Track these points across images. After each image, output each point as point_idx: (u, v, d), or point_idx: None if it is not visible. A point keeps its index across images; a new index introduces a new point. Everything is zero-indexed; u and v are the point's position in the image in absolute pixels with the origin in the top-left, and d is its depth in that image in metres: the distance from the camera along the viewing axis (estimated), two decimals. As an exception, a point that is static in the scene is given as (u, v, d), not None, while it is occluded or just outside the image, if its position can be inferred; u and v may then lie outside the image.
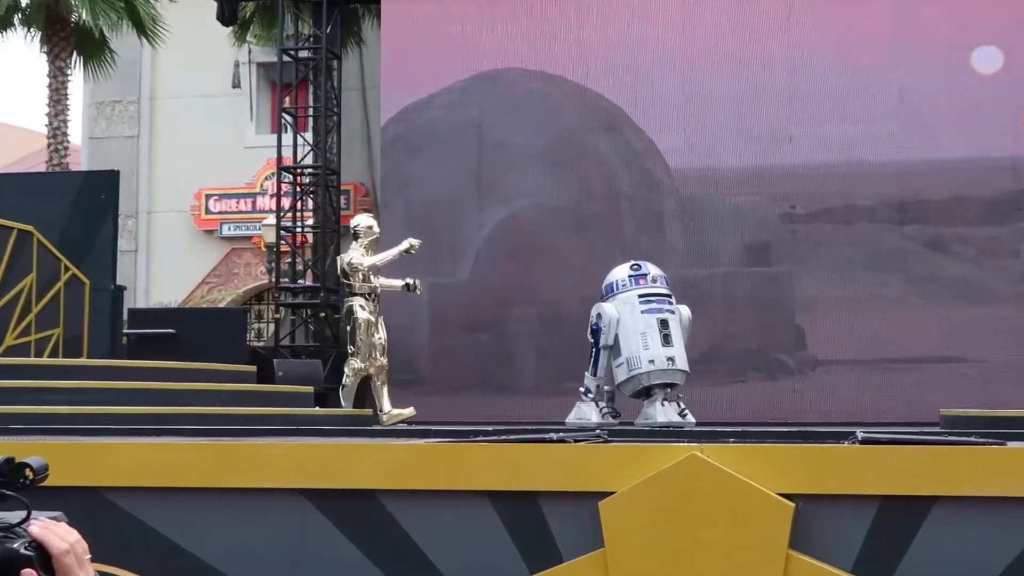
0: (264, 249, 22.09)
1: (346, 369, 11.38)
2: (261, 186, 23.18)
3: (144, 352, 13.98)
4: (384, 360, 11.33)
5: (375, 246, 11.85)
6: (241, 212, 23.31)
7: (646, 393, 10.16)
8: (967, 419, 10.39)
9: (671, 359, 9.97)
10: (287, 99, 20.99)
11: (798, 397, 16.05)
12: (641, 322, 10.08)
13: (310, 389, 12.72)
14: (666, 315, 10.06)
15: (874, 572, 5.30)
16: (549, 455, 5.73)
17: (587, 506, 5.49)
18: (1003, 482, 5.19)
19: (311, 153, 20.53)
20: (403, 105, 18.50)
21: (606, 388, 10.61)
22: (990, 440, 5.81)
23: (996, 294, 16.65)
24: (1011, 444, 5.67)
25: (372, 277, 11.80)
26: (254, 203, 23.23)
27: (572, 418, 10.31)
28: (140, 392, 10.04)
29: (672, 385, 10.05)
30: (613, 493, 5.48)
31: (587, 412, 10.30)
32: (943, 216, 16.82)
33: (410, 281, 12.31)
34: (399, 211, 18.45)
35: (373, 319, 11.38)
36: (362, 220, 12.57)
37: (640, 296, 10.20)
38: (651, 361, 10.05)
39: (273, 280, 21.18)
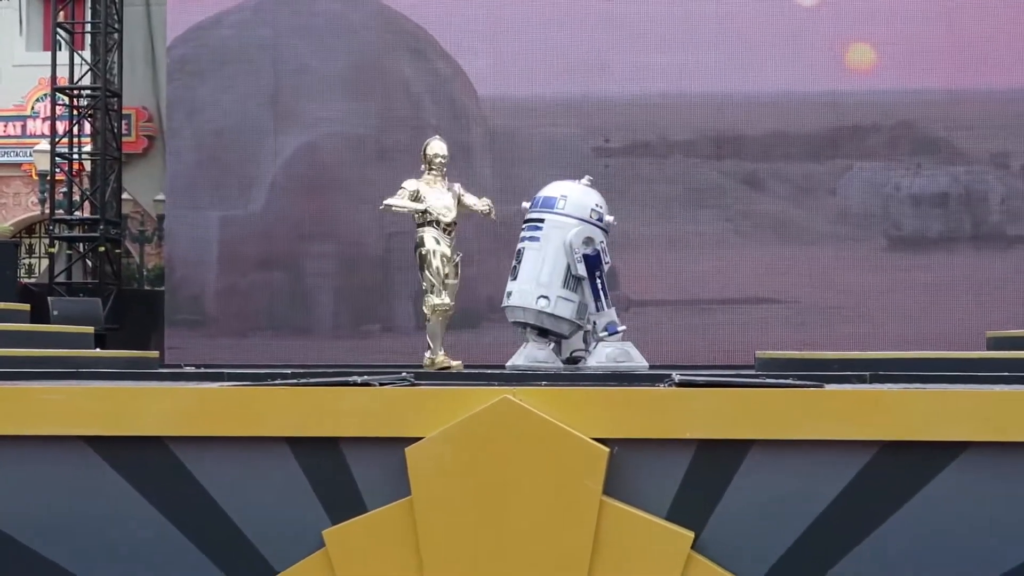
0: (36, 177, 21.46)
1: (424, 309, 10.79)
2: (32, 108, 22.48)
3: (-99, 289, 13.52)
4: (450, 302, 10.57)
5: (441, 176, 10.86)
6: (9, 136, 22.58)
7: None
8: (783, 361, 10.71)
9: (509, 294, 9.86)
10: (62, 13, 20.36)
11: (610, 339, 16.31)
12: None
13: (90, 329, 12.47)
14: (523, 244, 9.87)
15: (689, 518, 5.46)
16: (352, 399, 5.72)
17: (393, 453, 5.52)
18: (821, 425, 5.38)
19: (89, 73, 19.99)
20: (191, 23, 18.15)
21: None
22: (807, 383, 6.02)
23: (812, 233, 17.16)
24: (829, 387, 5.88)
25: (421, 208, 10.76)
26: (24, 127, 22.53)
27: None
28: None
29: (526, 324, 9.83)
30: (421, 439, 5.51)
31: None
32: (761, 152, 17.23)
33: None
34: (187, 138, 18.14)
35: (447, 253, 10.64)
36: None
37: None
38: (507, 295, 9.95)
39: (47, 211, 20.62)
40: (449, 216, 10.67)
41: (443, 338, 10.68)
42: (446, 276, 10.65)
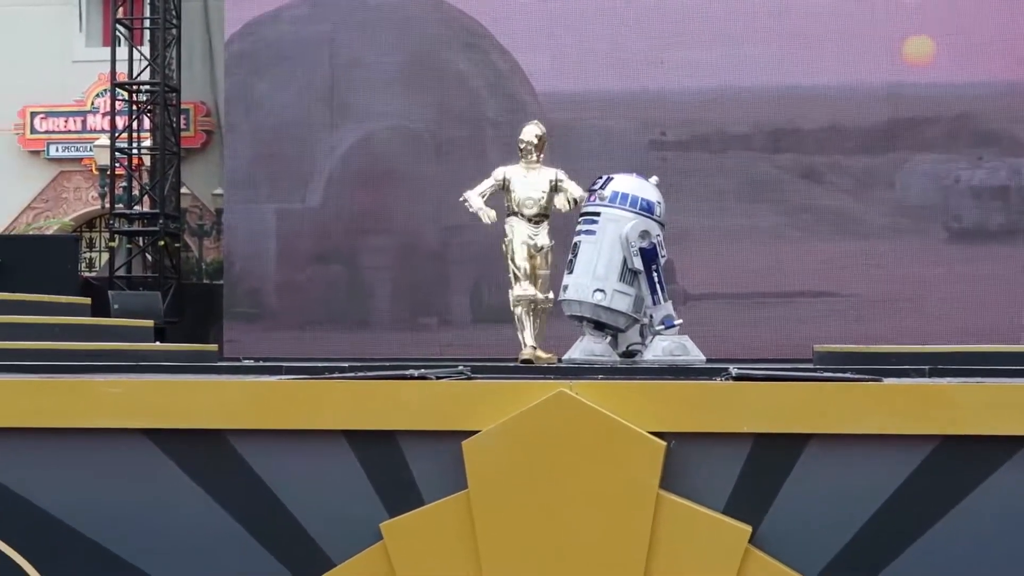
0: (96, 172, 21.66)
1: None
2: (92, 104, 22.70)
3: (-35, 283, 13.66)
4: (532, 292, 10.22)
5: (535, 161, 10.52)
6: (70, 132, 22.81)
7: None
8: (841, 355, 10.66)
9: (565, 287, 9.82)
10: (121, 9, 20.53)
11: (667, 333, 16.28)
12: None
13: (149, 323, 12.58)
14: (579, 237, 9.83)
15: (747, 512, 5.44)
16: (409, 393, 5.73)
17: (450, 446, 5.53)
18: (879, 419, 5.35)
19: (148, 69, 20.14)
20: (249, 18, 18.26)
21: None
22: (866, 376, 5.98)
23: (870, 226, 17.06)
24: (887, 380, 5.84)
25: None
26: (84, 122, 22.75)
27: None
28: (-37, 326, 9.84)
29: (582, 318, 9.80)
30: (477, 432, 5.52)
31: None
32: (818, 145, 17.14)
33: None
34: (245, 133, 18.25)
35: (530, 241, 10.41)
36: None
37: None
38: (563, 288, 9.91)
39: (107, 206, 20.81)
40: (532, 208, 10.40)
41: (533, 329, 10.36)
42: (535, 267, 10.37)
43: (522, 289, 10.32)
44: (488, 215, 10.41)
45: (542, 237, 10.40)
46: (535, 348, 10.36)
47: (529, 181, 10.48)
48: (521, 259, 10.38)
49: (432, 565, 5.56)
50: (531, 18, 17.41)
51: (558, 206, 10.44)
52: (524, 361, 10.14)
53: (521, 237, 10.37)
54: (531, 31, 17.42)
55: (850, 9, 16.90)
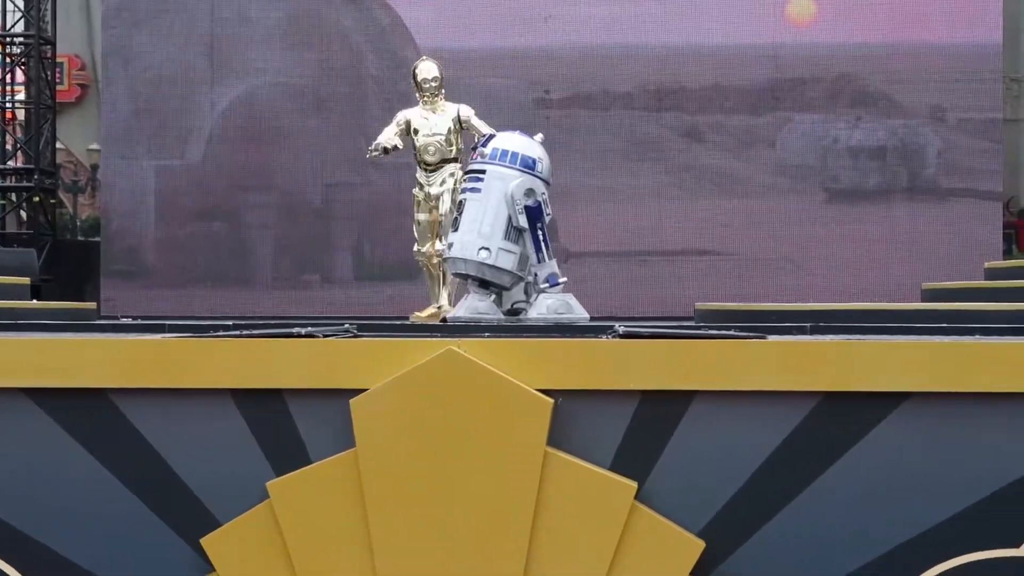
0: (-33, 126, 21.18)
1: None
2: (-37, 56, 22.15)
3: None
4: (427, 248, 9.91)
5: (438, 101, 9.92)
6: (-61, 84, 22.24)
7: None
8: (722, 313, 10.79)
9: (450, 245, 9.76)
10: (-7, -42, 20.06)
11: (549, 291, 16.36)
12: None
13: (25, 280, 12.35)
14: (464, 195, 9.74)
15: (633, 468, 5.50)
16: (296, 351, 5.71)
17: (337, 404, 5.52)
18: (762, 376, 5.44)
19: (22, 20, 19.71)
20: (128, -31, 17.93)
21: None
22: (749, 334, 6.07)
23: (751, 185, 17.27)
24: (770, 338, 5.93)
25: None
26: (-46, 75, 22.20)
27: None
28: None
29: (467, 275, 9.75)
30: (365, 391, 5.52)
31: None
32: (701, 104, 17.29)
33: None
34: (122, 87, 17.95)
35: (433, 193, 9.88)
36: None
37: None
38: (448, 246, 9.82)
39: (-22, 161, 20.38)
40: (434, 155, 10.00)
41: (439, 288, 10.15)
42: (438, 221, 10.02)
43: (417, 247, 10.17)
44: (373, 150, 9.98)
45: (436, 186, 10.04)
46: (439, 308, 10.19)
47: (432, 124, 10.06)
48: (421, 214, 10.11)
49: (319, 524, 5.56)
50: (415, -27, 17.33)
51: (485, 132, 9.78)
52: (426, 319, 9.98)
53: (417, 191, 10.13)
54: (415, -14, 17.35)
55: (733, -31, 17.05)
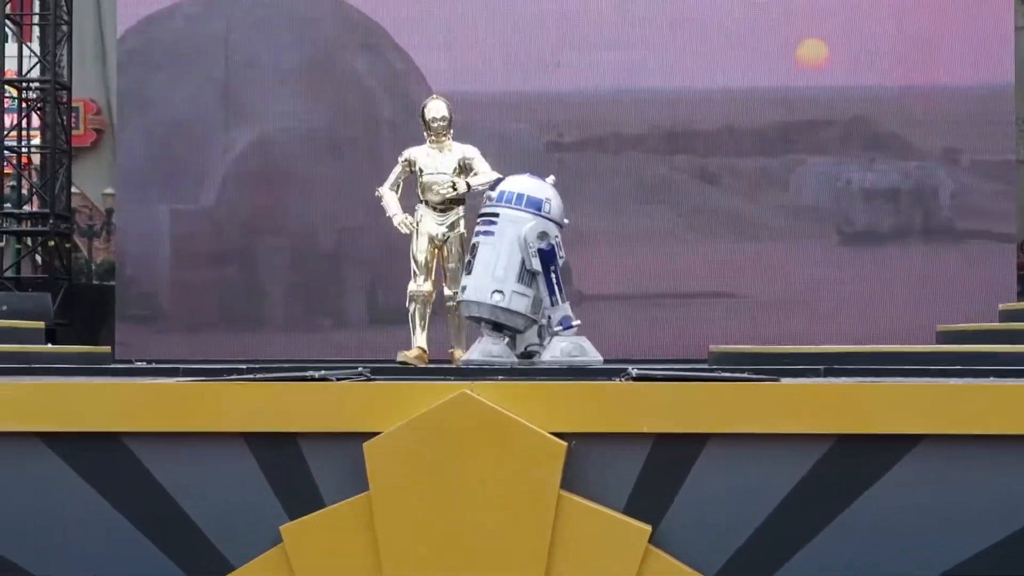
0: (-16, 171, 21.28)
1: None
2: (-20, 101, 22.28)
3: None
4: (428, 288, 9.86)
5: (446, 140, 9.93)
6: (-43, 130, 22.36)
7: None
8: (736, 355, 10.78)
9: (464, 288, 9.74)
10: (9, 4, 20.19)
11: (564, 333, 16.37)
12: None
13: (40, 324, 12.38)
14: (478, 238, 9.71)
15: (647, 511, 5.49)
16: (309, 394, 5.72)
17: (350, 447, 5.53)
18: (776, 419, 5.43)
19: (38, 65, 19.83)
20: (143, 15, 18.01)
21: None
22: (763, 376, 6.06)
23: (764, 228, 17.27)
24: (784, 380, 5.93)
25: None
26: (-29, 120, 22.32)
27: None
28: None
29: (481, 319, 9.73)
30: (378, 434, 5.52)
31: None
32: (713, 147, 17.31)
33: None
34: (138, 131, 18.01)
35: (433, 231, 9.80)
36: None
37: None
38: (462, 289, 9.79)
39: (-5, 206, 20.45)
40: (440, 194, 9.97)
41: (425, 328, 10.08)
42: (443, 260, 10.02)
43: (416, 285, 10.05)
44: (406, 224, 9.98)
45: (447, 226, 10.02)
46: (423, 351, 10.16)
47: (437, 163, 10.04)
48: (421, 252, 10.01)
49: (333, 568, 5.56)
50: (429, 18, 17.39)
51: (476, 184, 9.91)
52: (401, 362, 9.97)
53: (424, 227, 10.02)
54: (428, 31, 17.40)
55: (744, 11, 17.09)
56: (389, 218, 10.11)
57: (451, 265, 10.10)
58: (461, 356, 9.97)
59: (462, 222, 10.10)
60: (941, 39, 17.03)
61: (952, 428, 5.36)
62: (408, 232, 10.09)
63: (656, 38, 17.12)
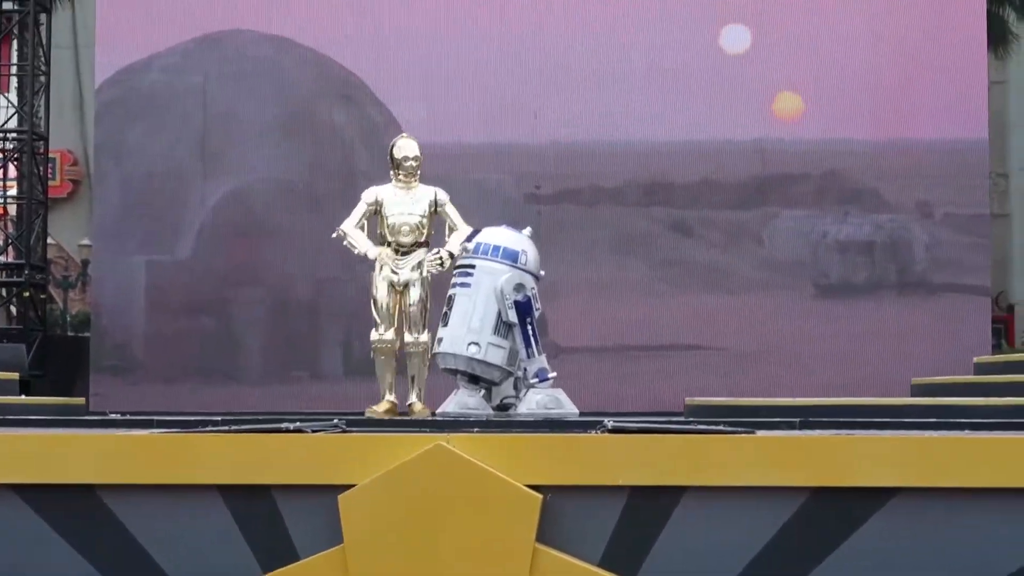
0: (-41, 221, 21.23)
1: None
2: (-44, 151, 22.25)
3: None
4: (391, 337, 9.52)
5: (413, 180, 9.61)
6: (-68, 179, 22.30)
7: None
8: (712, 408, 10.78)
9: (440, 340, 9.72)
10: (-12, 56, 20.23)
11: (539, 386, 16.36)
12: None
13: (14, 375, 12.32)
14: (454, 290, 9.68)
15: (622, 564, 5.48)
16: (284, 446, 5.71)
17: (325, 500, 5.51)
18: (752, 471, 5.43)
19: (15, 116, 19.83)
20: (120, 66, 18.03)
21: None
22: (738, 429, 6.07)
23: (740, 280, 17.31)
24: (760, 433, 5.93)
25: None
26: (-53, 170, 22.27)
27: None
28: None
29: (456, 371, 9.70)
30: (353, 486, 5.50)
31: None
32: (689, 199, 17.38)
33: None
34: (115, 182, 18.00)
35: (392, 276, 9.42)
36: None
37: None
38: (438, 341, 9.74)
39: (-30, 256, 20.38)
40: (408, 236, 9.62)
41: (393, 380, 9.79)
42: (404, 306, 9.65)
43: (378, 335, 9.71)
44: (373, 251, 9.59)
45: (409, 268, 9.64)
46: (394, 403, 9.82)
47: (405, 204, 9.66)
48: (382, 297, 9.62)
49: (307, 621, 5.52)
50: (407, 71, 17.46)
51: (428, 265, 9.60)
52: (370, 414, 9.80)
53: (385, 274, 9.63)
54: (406, 83, 17.47)
55: (720, 65, 17.21)
56: (363, 256, 9.75)
57: (412, 308, 9.68)
58: (419, 409, 9.84)
59: (424, 265, 9.73)
60: (916, 93, 17.16)
61: (927, 481, 5.37)
62: (374, 256, 9.68)
63: (634, 90, 17.22)
